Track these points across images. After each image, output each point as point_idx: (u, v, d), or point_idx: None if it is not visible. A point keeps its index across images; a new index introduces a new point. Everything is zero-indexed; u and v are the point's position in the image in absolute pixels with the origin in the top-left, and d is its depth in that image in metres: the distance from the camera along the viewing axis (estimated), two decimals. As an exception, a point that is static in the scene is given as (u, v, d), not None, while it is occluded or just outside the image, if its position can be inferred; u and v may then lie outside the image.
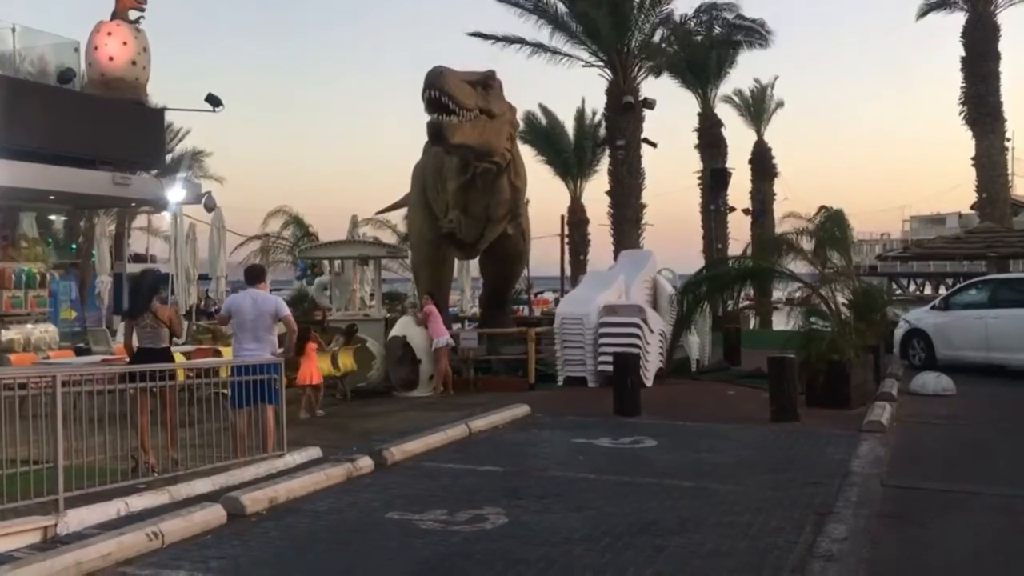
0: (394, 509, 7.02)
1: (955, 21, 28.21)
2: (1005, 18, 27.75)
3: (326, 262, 22.75)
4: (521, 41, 26.16)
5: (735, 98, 39.48)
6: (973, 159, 27.75)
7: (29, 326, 15.47)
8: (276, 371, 8.68)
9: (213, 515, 6.63)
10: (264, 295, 9.17)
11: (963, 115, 27.85)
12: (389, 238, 32.33)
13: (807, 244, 14.73)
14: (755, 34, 28.85)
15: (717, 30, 28.04)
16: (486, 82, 14.43)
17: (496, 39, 25.90)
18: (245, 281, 9.49)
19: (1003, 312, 15.71)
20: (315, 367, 12.24)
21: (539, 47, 26.29)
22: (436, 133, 13.42)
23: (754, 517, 6.71)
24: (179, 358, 11.25)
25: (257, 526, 6.65)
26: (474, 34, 25.82)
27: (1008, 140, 28.63)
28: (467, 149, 14.10)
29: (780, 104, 40.38)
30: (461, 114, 13.42)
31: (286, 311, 9.05)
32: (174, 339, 9.03)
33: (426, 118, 13.41)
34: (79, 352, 15.38)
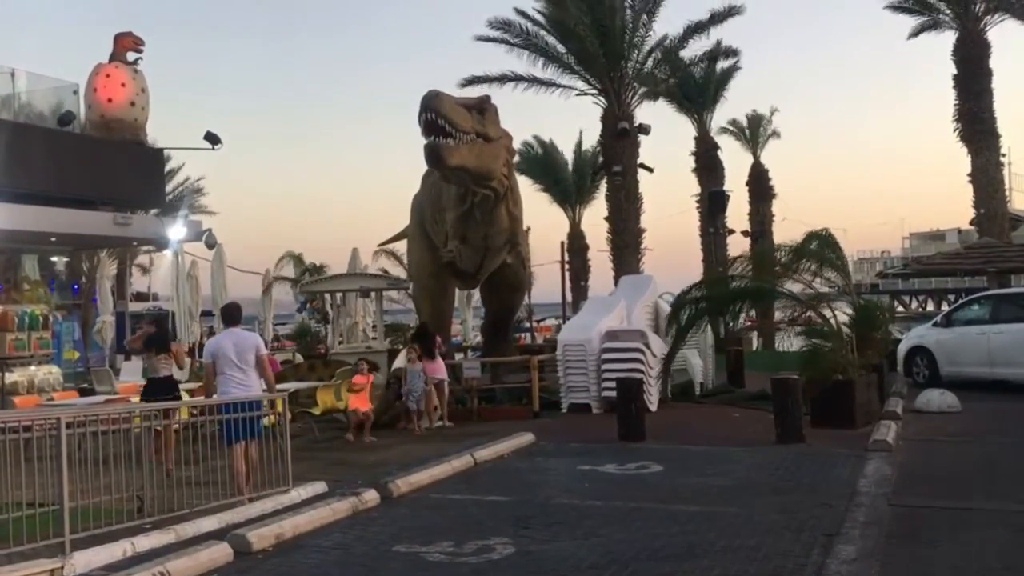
0: (401, 542, 7.00)
1: (947, 39, 28.44)
2: (995, 35, 27.90)
3: (327, 296, 22.79)
4: (517, 78, 26.36)
5: (731, 128, 39.72)
6: (969, 175, 27.84)
7: (33, 368, 15.50)
8: (259, 407, 8.79)
9: (220, 553, 6.62)
10: (244, 333, 9.33)
11: (958, 132, 27.96)
12: (396, 269, 32.43)
13: (798, 263, 14.66)
14: (729, 52, 29.91)
15: (700, 51, 28.53)
16: (481, 106, 14.55)
17: (491, 80, 26.10)
18: (223, 322, 9.64)
19: (1005, 327, 15.72)
20: (364, 396, 12.84)
21: (533, 81, 26.48)
22: (433, 156, 13.47)
23: (762, 540, 6.69)
24: (184, 396, 11.32)
25: (263, 563, 6.63)
26: (469, 80, 25.97)
27: (1004, 155, 28.77)
28: (464, 172, 14.07)
29: (776, 134, 40.58)
30: (458, 137, 13.48)
31: (264, 351, 9.26)
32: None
33: (421, 149, 13.48)
34: (83, 392, 15.39)
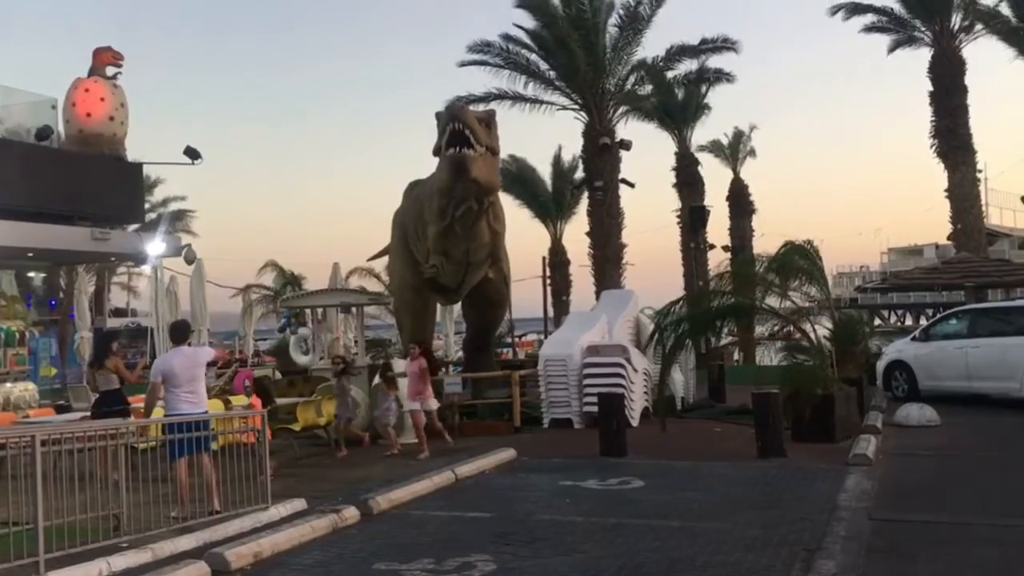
0: (381, 559, 6.95)
1: (924, 54, 28.77)
2: (970, 52, 28.29)
3: (308, 312, 22.68)
4: (502, 96, 26.45)
5: (712, 145, 40.04)
6: (946, 191, 28.13)
7: (8, 385, 15.31)
8: (208, 426, 8.89)
9: (197, 572, 6.55)
10: (192, 350, 9.42)
11: (934, 148, 28.28)
12: (375, 286, 32.35)
13: (777, 276, 14.65)
14: (722, 74, 30.09)
15: (687, 71, 28.73)
16: (489, 120, 14.79)
17: (476, 100, 26.15)
18: (171, 340, 9.76)
19: (983, 341, 15.84)
20: None
21: (517, 97, 26.59)
22: (460, 167, 13.66)
23: (743, 555, 6.68)
24: (159, 412, 11.25)
25: (242, 582, 6.57)
26: (455, 99, 26.00)
27: (980, 171, 29.05)
28: (478, 184, 14.26)
29: (752, 152, 40.92)
30: (477, 149, 13.72)
31: (212, 354, 9.73)
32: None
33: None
34: (59, 410, 15.21)
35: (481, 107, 25.67)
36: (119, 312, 42.02)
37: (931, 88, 28.26)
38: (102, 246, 14.79)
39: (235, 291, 32.82)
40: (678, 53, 27.26)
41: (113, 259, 21.25)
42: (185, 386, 8.84)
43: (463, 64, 26.20)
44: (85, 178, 14.87)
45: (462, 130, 13.44)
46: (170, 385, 8.84)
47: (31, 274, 23.82)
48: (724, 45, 27.32)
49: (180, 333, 9.61)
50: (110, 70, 15.73)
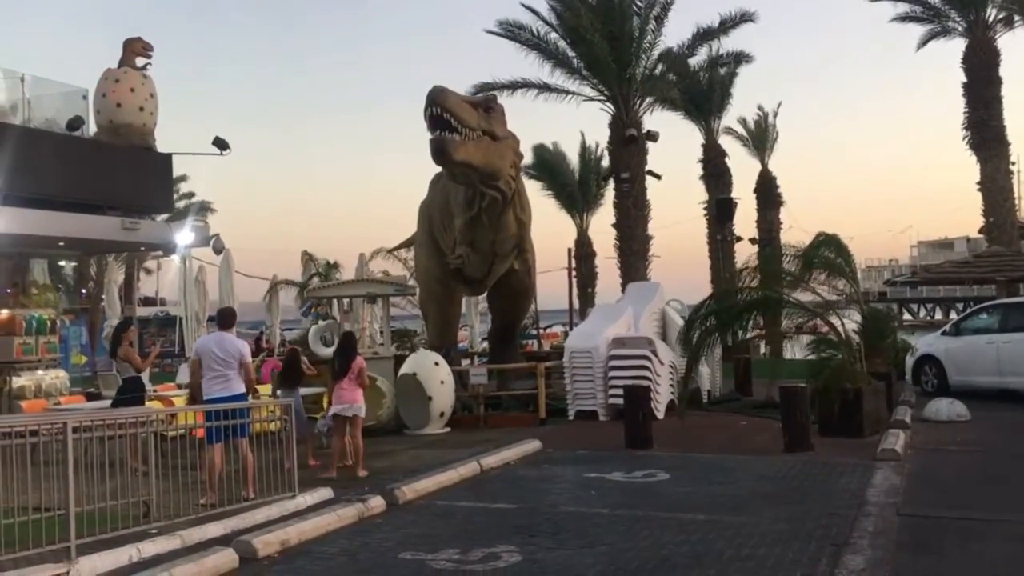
0: (406, 549, 6.98)
1: (957, 46, 28.38)
2: (1005, 43, 27.75)
3: (335, 302, 22.77)
4: (528, 84, 26.28)
5: (739, 127, 39.56)
6: (979, 183, 27.76)
7: (40, 372, 15.52)
8: (246, 414, 8.96)
9: (225, 559, 6.60)
10: (231, 338, 9.39)
11: (967, 140, 27.89)
12: (400, 271, 32.37)
13: (807, 272, 14.50)
14: (743, 56, 29.86)
15: (712, 55, 28.49)
16: (488, 105, 14.60)
17: (503, 87, 26.00)
18: (218, 324, 9.90)
19: (1014, 336, 15.62)
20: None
21: (543, 88, 26.42)
22: (438, 150, 13.43)
23: (770, 550, 6.64)
24: (182, 401, 11.46)
25: (269, 569, 6.63)
26: (480, 88, 25.84)
27: (1013, 164, 28.64)
28: (470, 168, 14.02)
29: (777, 136, 40.42)
30: (464, 132, 13.48)
31: (248, 359, 9.36)
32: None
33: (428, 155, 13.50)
34: (90, 397, 15.41)
35: (507, 94, 25.65)
36: (148, 301, 42.36)
37: (964, 79, 27.87)
38: (132, 235, 14.95)
39: (268, 286, 32.94)
40: (701, 37, 27.00)
41: (143, 248, 21.40)
42: (218, 370, 8.93)
43: (490, 32, 25.90)
44: (115, 168, 15.02)
45: (441, 114, 13.22)
46: (206, 366, 8.95)
47: (62, 263, 24.10)
48: (743, 19, 26.95)
49: (226, 319, 9.73)
50: (140, 61, 15.88)
